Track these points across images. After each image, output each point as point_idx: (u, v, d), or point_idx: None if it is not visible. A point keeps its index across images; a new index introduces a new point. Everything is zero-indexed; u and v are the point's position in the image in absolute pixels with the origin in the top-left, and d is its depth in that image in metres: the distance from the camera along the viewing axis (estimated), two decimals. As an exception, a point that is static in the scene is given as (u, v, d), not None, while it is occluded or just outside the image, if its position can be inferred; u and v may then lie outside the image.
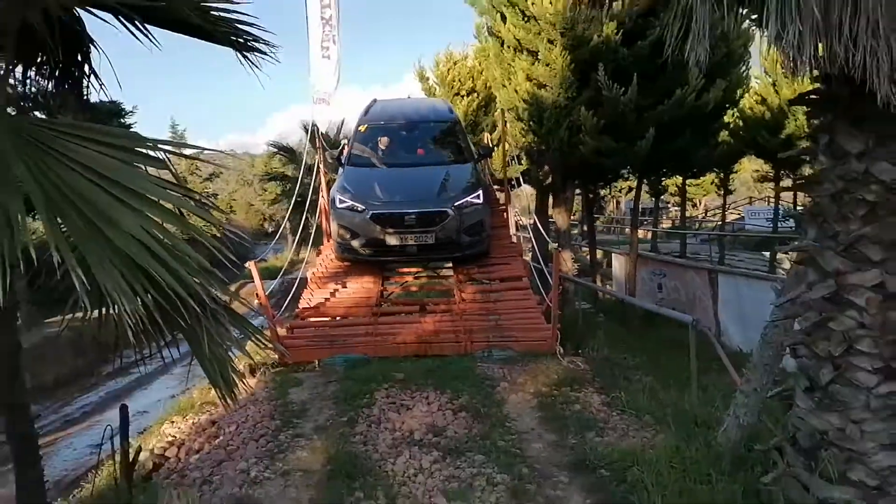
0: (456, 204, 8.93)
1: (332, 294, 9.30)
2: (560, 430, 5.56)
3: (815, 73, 3.15)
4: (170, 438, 5.87)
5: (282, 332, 8.22)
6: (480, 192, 9.34)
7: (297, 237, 15.16)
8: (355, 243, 9.06)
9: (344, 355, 7.61)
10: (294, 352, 7.58)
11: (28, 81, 3.43)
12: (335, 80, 11.75)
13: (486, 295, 9.15)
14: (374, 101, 11.78)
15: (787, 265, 14.54)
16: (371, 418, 5.82)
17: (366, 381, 6.69)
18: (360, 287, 9.44)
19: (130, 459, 4.50)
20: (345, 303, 9.14)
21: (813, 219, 3.65)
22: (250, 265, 7.72)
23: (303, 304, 9.13)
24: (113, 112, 23.29)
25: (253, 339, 3.04)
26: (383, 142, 10.48)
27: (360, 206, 8.94)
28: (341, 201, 9.13)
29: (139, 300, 2.34)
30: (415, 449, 5.16)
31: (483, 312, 8.59)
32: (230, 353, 2.92)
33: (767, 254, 18.73)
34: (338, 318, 8.89)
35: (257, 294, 7.87)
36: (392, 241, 8.88)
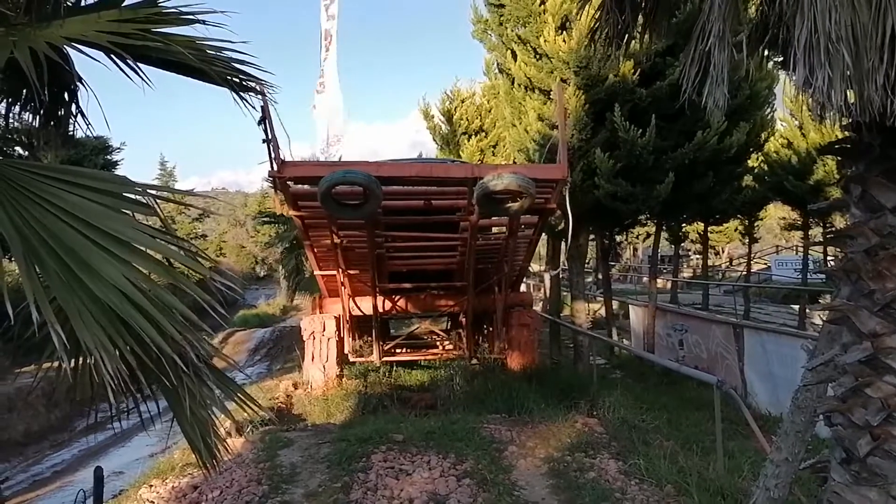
0: None
1: None
2: (573, 499, 5.47)
3: (846, 120, 3.17)
4: None
5: None
6: None
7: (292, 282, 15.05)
8: None
9: (343, 170, 7.84)
10: (293, 167, 8.31)
11: (11, 117, 3.49)
12: (326, 119, 11.82)
13: None
14: None
15: (817, 319, 14.43)
16: (367, 484, 5.73)
17: (362, 442, 6.61)
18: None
19: (103, 527, 4.42)
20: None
21: (846, 275, 3.62)
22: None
23: None
24: (99, 148, 23.71)
25: (236, 400, 3.02)
26: None
27: None
28: None
29: (119, 355, 2.32)
30: (414, 520, 5.07)
31: None
32: (212, 414, 2.89)
33: (796, 307, 18.63)
34: None
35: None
36: None
